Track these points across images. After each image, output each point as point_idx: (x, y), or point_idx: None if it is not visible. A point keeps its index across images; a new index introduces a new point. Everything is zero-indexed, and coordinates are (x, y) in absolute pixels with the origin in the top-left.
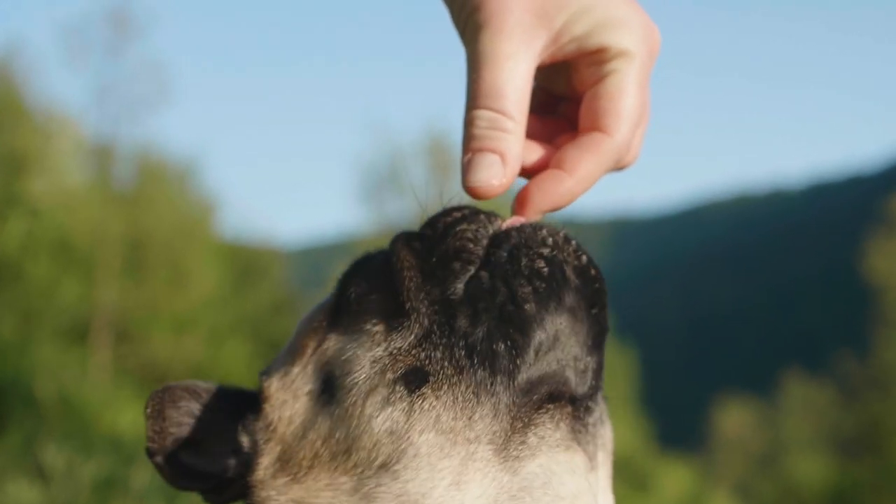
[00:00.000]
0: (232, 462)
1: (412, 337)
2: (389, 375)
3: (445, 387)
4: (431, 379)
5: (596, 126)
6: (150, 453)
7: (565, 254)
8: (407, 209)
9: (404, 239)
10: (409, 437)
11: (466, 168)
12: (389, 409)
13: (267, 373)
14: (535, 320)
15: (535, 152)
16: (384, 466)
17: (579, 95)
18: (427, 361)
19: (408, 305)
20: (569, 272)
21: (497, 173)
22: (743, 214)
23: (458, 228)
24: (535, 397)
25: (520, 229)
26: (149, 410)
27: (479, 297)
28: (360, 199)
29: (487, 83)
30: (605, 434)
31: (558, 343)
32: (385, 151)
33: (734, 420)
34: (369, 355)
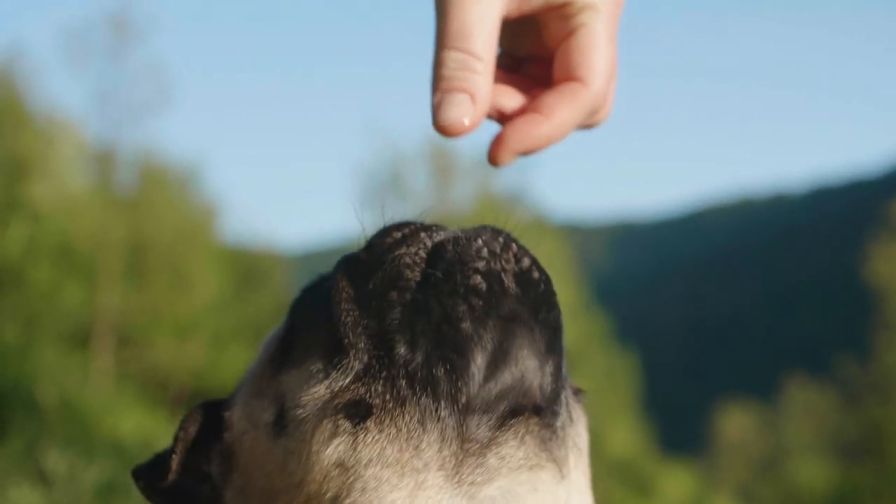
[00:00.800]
0: (204, 488)
1: (352, 374)
2: (332, 410)
3: (388, 419)
4: (374, 412)
5: (571, 77)
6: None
7: (503, 262)
8: (408, 214)
9: (344, 266)
10: (356, 471)
11: (437, 108)
12: (335, 443)
13: (230, 401)
14: (471, 338)
15: (513, 99)
16: (335, 500)
17: (550, 52)
18: (368, 395)
19: (346, 342)
20: (507, 281)
21: (467, 111)
22: (745, 218)
23: (395, 253)
24: (493, 415)
25: (455, 242)
26: (179, 446)
27: (415, 321)
28: (361, 204)
29: (456, 25)
30: (575, 433)
31: (507, 356)
32: (386, 156)
33: (736, 424)
34: (313, 392)
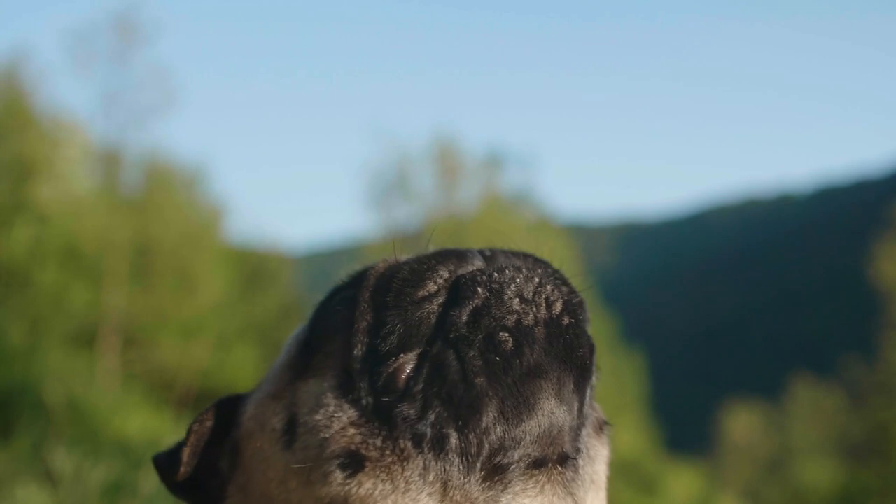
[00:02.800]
0: (214, 482)
1: (355, 413)
2: (329, 453)
3: (384, 474)
4: (368, 465)
5: None
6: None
7: (535, 309)
8: (414, 214)
9: (371, 293)
10: None
11: None
12: (328, 488)
13: (247, 399)
14: (486, 394)
15: None
16: None
17: None
18: (364, 446)
19: (355, 378)
20: (538, 332)
21: None
22: (750, 218)
23: (422, 308)
24: (518, 465)
25: (489, 282)
26: (192, 439)
27: (430, 375)
28: (367, 204)
29: None
30: (593, 471)
31: (528, 409)
32: (392, 157)
33: (742, 424)
34: (319, 416)
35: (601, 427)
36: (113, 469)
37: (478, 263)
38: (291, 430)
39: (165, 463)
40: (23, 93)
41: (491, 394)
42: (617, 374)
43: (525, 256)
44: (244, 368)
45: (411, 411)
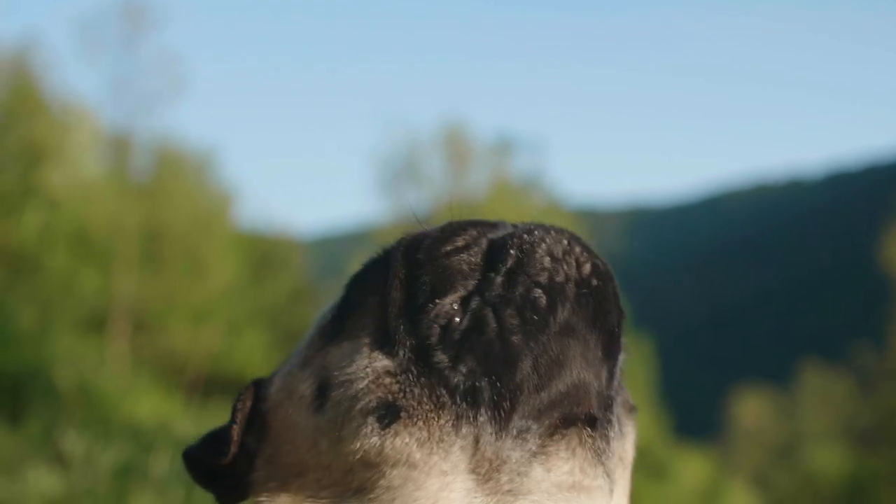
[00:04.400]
0: (243, 462)
1: (391, 362)
2: (363, 405)
3: (420, 423)
4: (403, 415)
5: None
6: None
7: (564, 269)
8: (424, 199)
9: (405, 251)
10: (381, 470)
11: None
12: (361, 441)
13: (274, 373)
14: (521, 351)
15: None
16: (359, 492)
17: None
18: (401, 395)
19: (391, 330)
20: (569, 289)
21: None
22: (760, 204)
23: (454, 256)
24: (542, 424)
25: (520, 244)
26: (235, 425)
27: (467, 329)
28: (377, 189)
29: None
30: (622, 448)
31: (561, 367)
32: (402, 142)
33: (751, 410)
34: (352, 369)
35: (630, 409)
36: (123, 452)
37: (508, 229)
38: (322, 393)
39: (200, 453)
40: (32, 79)
41: (526, 351)
42: (626, 360)
43: (552, 226)
44: (254, 353)
45: (447, 361)
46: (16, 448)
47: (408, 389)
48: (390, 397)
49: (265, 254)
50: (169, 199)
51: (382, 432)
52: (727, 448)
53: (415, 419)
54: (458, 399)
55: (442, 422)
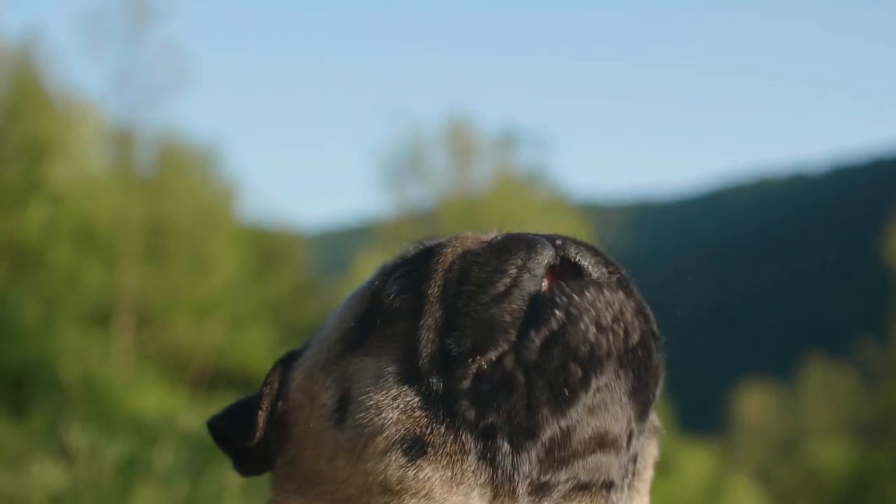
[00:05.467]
0: (261, 448)
1: (419, 398)
2: (388, 434)
3: (445, 461)
4: (430, 451)
5: None
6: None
7: (611, 339)
8: (427, 193)
9: (441, 286)
10: (400, 498)
11: None
12: (384, 468)
13: (300, 355)
14: (544, 423)
15: None
16: None
17: None
18: (429, 432)
19: (423, 371)
20: (608, 366)
21: None
22: (764, 198)
23: (493, 311)
24: (560, 486)
25: (567, 306)
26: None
27: (494, 388)
28: (380, 183)
29: None
30: (641, 480)
31: (581, 444)
32: (406, 137)
33: (755, 405)
34: (378, 398)
35: (655, 431)
36: (127, 445)
37: (548, 255)
38: (343, 406)
39: (228, 431)
40: (36, 73)
41: (550, 423)
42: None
43: (609, 274)
44: (258, 348)
45: (472, 413)
46: (20, 442)
47: (435, 427)
48: (418, 431)
49: (269, 248)
50: (172, 193)
51: (407, 464)
52: (731, 442)
53: (440, 457)
54: (479, 449)
55: (465, 465)
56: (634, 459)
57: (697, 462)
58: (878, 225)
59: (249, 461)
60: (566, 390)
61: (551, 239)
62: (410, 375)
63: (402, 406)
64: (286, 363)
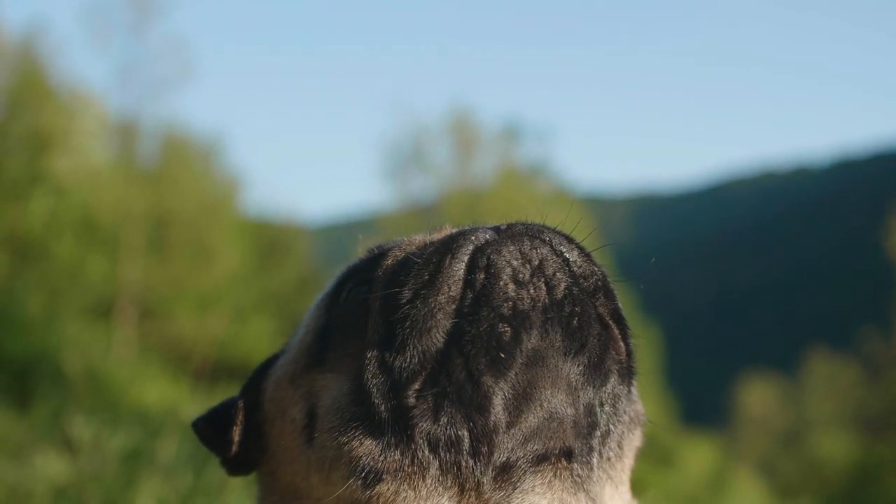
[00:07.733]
0: (238, 451)
1: (371, 425)
2: (346, 460)
3: (405, 484)
4: (386, 477)
5: None
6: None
7: (532, 291)
8: (430, 186)
9: (382, 302)
10: None
11: None
12: (349, 491)
13: (269, 371)
14: (491, 391)
15: None
16: None
17: None
18: (382, 459)
19: (370, 392)
20: (535, 317)
21: None
22: (767, 191)
23: (430, 303)
24: (519, 462)
25: (487, 265)
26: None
27: (439, 378)
28: (383, 175)
29: None
30: (611, 467)
31: (530, 400)
32: (409, 129)
33: (758, 397)
34: (336, 421)
35: (639, 421)
36: (131, 437)
37: (472, 245)
38: (311, 423)
39: (209, 433)
40: (40, 66)
41: (496, 390)
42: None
43: (538, 233)
44: (260, 340)
45: (425, 418)
46: (24, 434)
47: (388, 454)
48: (370, 461)
49: (271, 240)
50: (176, 185)
51: (366, 490)
52: (733, 435)
53: (399, 480)
54: (440, 454)
55: (427, 481)
56: (605, 438)
57: (700, 455)
58: (880, 218)
59: (234, 465)
60: (500, 353)
61: (496, 227)
62: (362, 396)
63: (353, 431)
64: (263, 371)
